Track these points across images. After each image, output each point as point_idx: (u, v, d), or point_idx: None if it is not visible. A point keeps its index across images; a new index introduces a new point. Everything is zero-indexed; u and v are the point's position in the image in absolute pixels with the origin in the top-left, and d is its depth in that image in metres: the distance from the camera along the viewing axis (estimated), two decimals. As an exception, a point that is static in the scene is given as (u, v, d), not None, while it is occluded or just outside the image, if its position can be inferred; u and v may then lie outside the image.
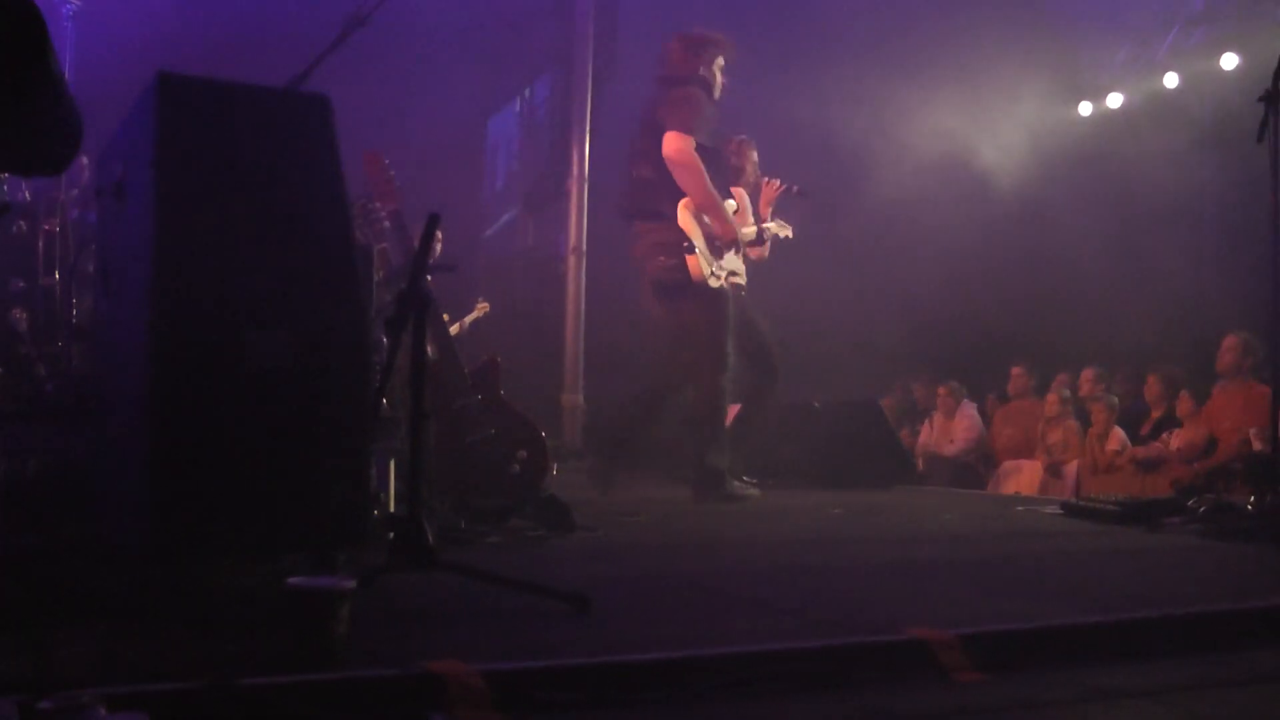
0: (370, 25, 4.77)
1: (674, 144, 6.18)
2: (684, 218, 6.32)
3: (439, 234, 8.50)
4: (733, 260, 6.73)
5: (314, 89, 3.79)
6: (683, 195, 6.31)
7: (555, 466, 5.40)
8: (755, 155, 7.92)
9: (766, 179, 7.81)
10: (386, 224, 5.33)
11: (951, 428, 11.53)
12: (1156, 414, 9.85)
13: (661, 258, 6.33)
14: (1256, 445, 8.05)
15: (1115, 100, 12.15)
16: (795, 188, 7.80)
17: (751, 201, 7.73)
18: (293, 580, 2.53)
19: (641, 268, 6.52)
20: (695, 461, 6.42)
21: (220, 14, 10.61)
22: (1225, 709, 2.68)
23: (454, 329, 9.29)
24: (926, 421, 12.02)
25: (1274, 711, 2.71)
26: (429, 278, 5.48)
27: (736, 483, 6.48)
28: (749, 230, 7.21)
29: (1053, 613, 3.19)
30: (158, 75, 3.21)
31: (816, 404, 8.76)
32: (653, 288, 6.49)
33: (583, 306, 12.20)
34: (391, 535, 3.22)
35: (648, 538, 5.02)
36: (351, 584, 2.53)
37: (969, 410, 11.55)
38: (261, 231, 3.25)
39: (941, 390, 11.69)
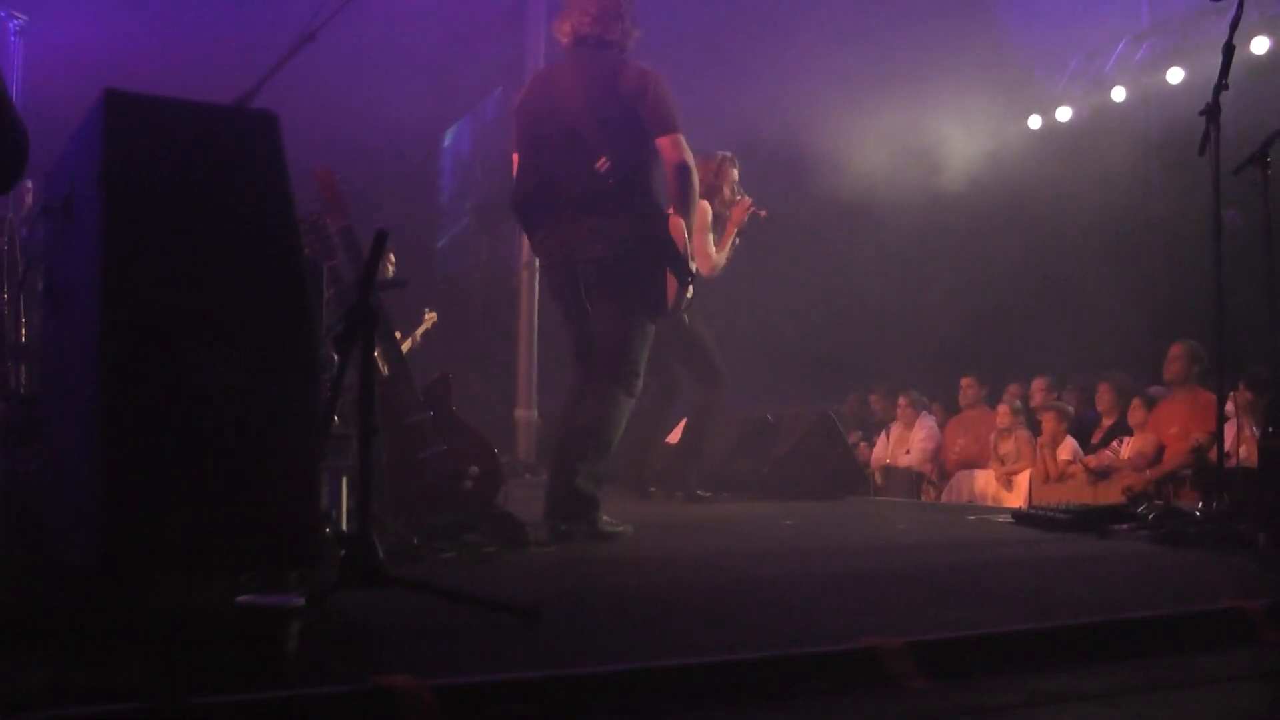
0: (320, 41, 4.74)
1: (682, 150, 5.36)
2: (675, 225, 5.45)
3: (392, 252, 8.50)
4: None
5: (263, 105, 3.78)
6: (645, 191, 5.44)
7: (507, 481, 5.37)
8: (736, 174, 7.96)
9: (739, 198, 7.87)
10: (337, 240, 5.29)
11: (909, 438, 11.61)
12: (1108, 422, 9.96)
13: (600, 246, 5.34)
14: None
15: (1064, 113, 12.30)
16: (763, 212, 7.85)
17: (720, 221, 7.79)
18: (242, 598, 2.53)
19: (564, 259, 5.48)
20: (558, 482, 5.35)
21: (169, 31, 10.56)
22: (1171, 712, 2.71)
23: (406, 344, 9.27)
24: (883, 433, 12.10)
25: (1218, 713, 2.75)
26: (379, 294, 5.49)
27: (607, 518, 5.36)
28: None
29: (1003, 619, 3.23)
30: (105, 92, 3.19)
31: (769, 416, 8.80)
32: (572, 283, 5.47)
33: (536, 321, 12.21)
34: (342, 552, 3.21)
35: (600, 552, 5.01)
36: (301, 601, 2.53)
37: (928, 421, 11.65)
38: (210, 249, 3.23)
39: (902, 400, 11.79)
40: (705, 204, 7.64)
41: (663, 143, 5.36)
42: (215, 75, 4.84)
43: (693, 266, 5.48)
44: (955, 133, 11.75)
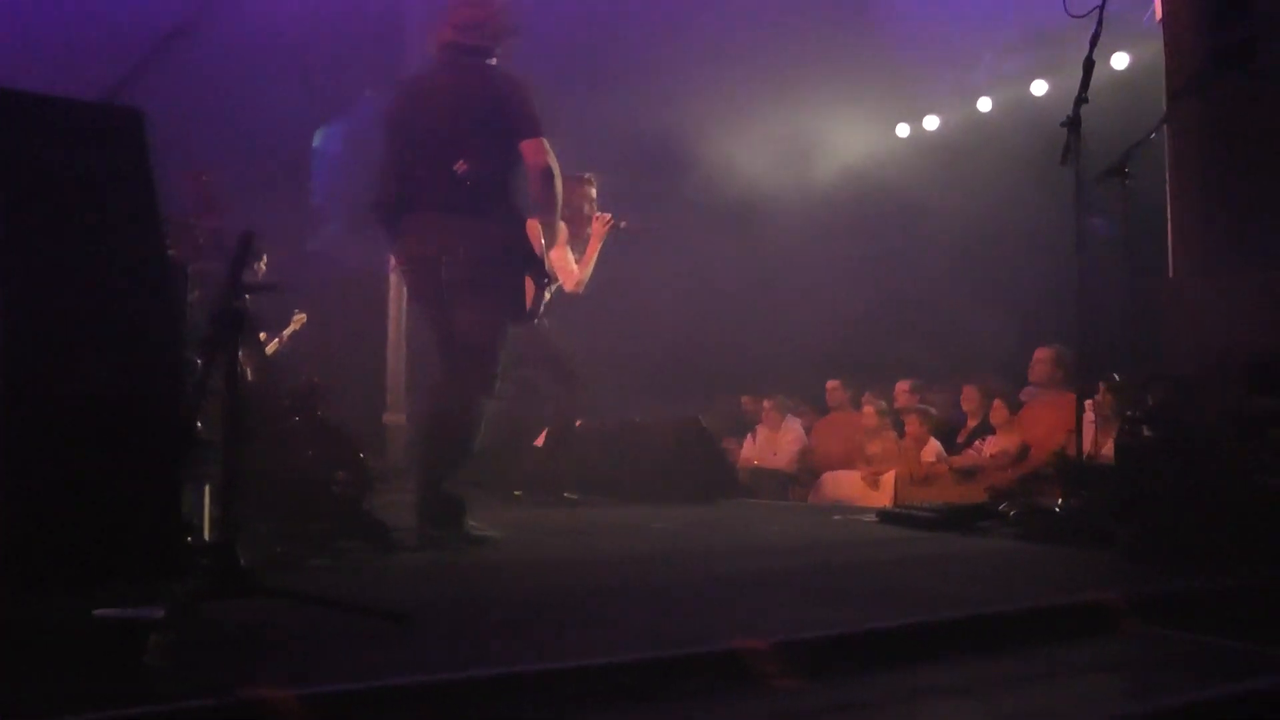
0: (191, 38, 4.64)
1: (545, 154, 5.37)
2: (532, 228, 5.53)
3: (264, 254, 8.35)
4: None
5: (131, 103, 3.69)
6: (505, 196, 5.47)
7: (376, 487, 5.31)
8: (594, 193, 8.01)
9: (597, 214, 7.92)
10: (204, 241, 5.20)
11: (776, 440, 11.73)
12: (973, 423, 10.15)
13: (462, 249, 5.35)
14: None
15: (932, 122, 12.52)
16: (623, 222, 7.92)
17: (580, 240, 7.83)
18: (100, 612, 2.46)
19: (426, 262, 5.48)
20: (425, 486, 5.32)
21: (32, 24, 10.25)
22: (1032, 702, 2.78)
23: (273, 345, 9.13)
24: (750, 435, 12.20)
25: (1076, 702, 2.82)
26: (248, 297, 5.38)
27: (473, 522, 5.36)
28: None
29: (869, 617, 3.27)
30: (-40, 86, 3.10)
31: (638, 419, 8.82)
32: (434, 285, 5.49)
33: (404, 325, 12.08)
34: (205, 561, 3.15)
35: (469, 557, 4.98)
36: (160, 613, 2.47)
37: (794, 424, 11.78)
38: (70, 251, 3.15)
39: (767, 404, 11.90)
40: (562, 224, 7.66)
41: (526, 146, 5.38)
42: (79, 69, 4.70)
43: (549, 269, 5.52)
44: (826, 140, 11.90)
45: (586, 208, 7.95)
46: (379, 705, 2.40)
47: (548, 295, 5.58)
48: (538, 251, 5.42)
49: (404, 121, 5.67)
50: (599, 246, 7.92)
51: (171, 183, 3.63)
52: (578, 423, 8.18)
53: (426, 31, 5.79)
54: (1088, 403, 8.20)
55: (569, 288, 7.74)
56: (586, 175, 8.07)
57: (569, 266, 7.71)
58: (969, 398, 10.27)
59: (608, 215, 7.93)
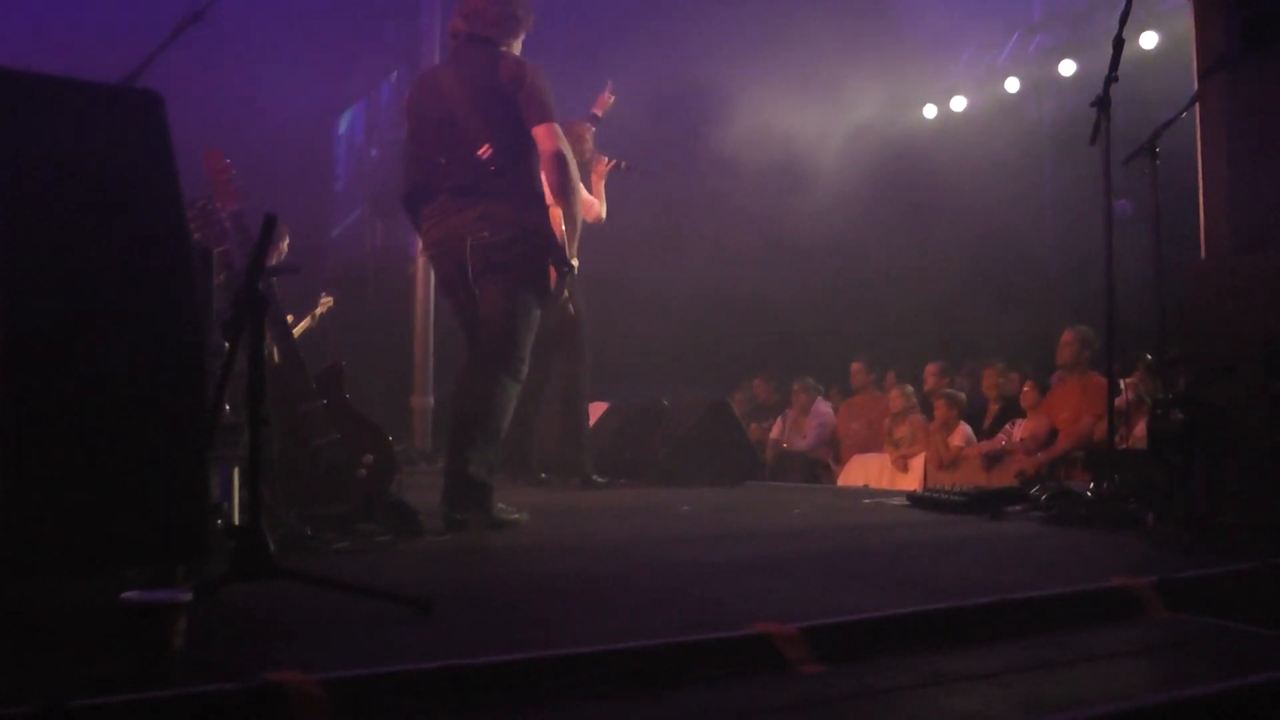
0: (210, 20, 4.64)
1: (557, 139, 5.41)
2: (554, 215, 5.61)
3: (286, 237, 8.38)
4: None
5: (151, 86, 3.68)
6: (523, 180, 5.49)
7: (402, 469, 5.32)
8: (589, 137, 8.09)
9: (599, 158, 8.03)
10: (227, 225, 5.19)
11: (804, 423, 11.72)
12: (996, 407, 10.12)
13: (486, 233, 5.38)
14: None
15: (959, 103, 12.47)
16: (624, 164, 8.10)
17: (586, 183, 7.92)
18: (127, 595, 2.46)
19: (451, 247, 5.51)
20: (452, 470, 5.31)
21: (51, 7, 10.28)
22: (1061, 689, 2.75)
23: (304, 323, 9.17)
24: (780, 417, 12.19)
25: (1106, 689, 2.79)
26: (273, 280, 5.40)
27: (501, 505, 5.36)
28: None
29: (896, 602, 3.24)
30: (-23, 69, 3.09)
31: (666, 402, 8.82)
32: (460, 270, 5.52)
33: (432, 308, 12.13)
34: (232, 544, 3.15)
35: (494, 540, 4.98)
36: (188, 596, 2.47)
37: (822, 407, 11.78)
38: (91, 234, 3.14)
39: (796, 386, 11.91)
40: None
41: (538, 132, 5.42)
42: (99, 53, 4.70)
43: (574, 262, 5.55)
44: (851, 121, 11.87)
45: (588, 152, 8.02)
46: (401, 690, 2.39)
47: (567, 282, 5.62)
48: (559, 237, 5.44)
49: (420, 112, 5.73)
50: (603, 184, 8.10)
51: (191, 166, 3.61)
52: (604, 407, 8.19)
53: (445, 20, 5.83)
54: (1125, 382, 8.18)
55: (590, 219, 7.82)
56: (586, 122, 8.18)
57: (590, 199, 7.83)
58: (990, 380, 10.24)
59: (605, 157, 8.15)
